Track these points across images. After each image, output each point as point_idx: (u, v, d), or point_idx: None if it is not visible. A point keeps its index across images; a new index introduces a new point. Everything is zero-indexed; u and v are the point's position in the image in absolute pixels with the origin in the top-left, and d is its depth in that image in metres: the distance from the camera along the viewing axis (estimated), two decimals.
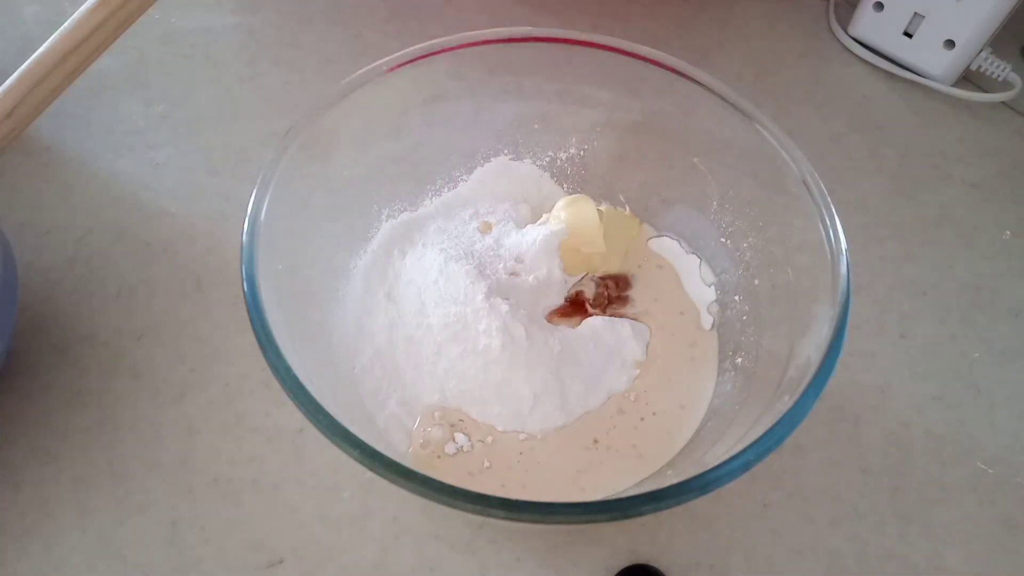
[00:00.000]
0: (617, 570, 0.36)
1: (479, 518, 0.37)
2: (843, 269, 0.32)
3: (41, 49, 0.43)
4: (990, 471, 0.40)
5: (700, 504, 0.38)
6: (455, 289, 0.38)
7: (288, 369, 0.29)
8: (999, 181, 0.52)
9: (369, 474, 0.38)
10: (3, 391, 0.40)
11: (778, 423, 0.29)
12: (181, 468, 0.38)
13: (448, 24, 0.59)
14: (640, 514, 0.27)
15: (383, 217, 0.43)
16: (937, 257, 0.48)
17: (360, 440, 0.28)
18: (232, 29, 0.58)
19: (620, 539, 0.37)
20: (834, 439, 0.40)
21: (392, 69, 0.39)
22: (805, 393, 0.29)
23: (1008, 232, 0.49)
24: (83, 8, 0.43)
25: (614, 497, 0.28)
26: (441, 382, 0.38)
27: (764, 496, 0.38)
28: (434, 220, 0.43)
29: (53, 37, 0.43)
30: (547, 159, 0.46)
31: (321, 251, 0.39)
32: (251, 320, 0.30)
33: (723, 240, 0.42)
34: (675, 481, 0.28)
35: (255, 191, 0.34)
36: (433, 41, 0.40)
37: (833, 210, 0.34)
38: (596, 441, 0.37)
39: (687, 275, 0.43)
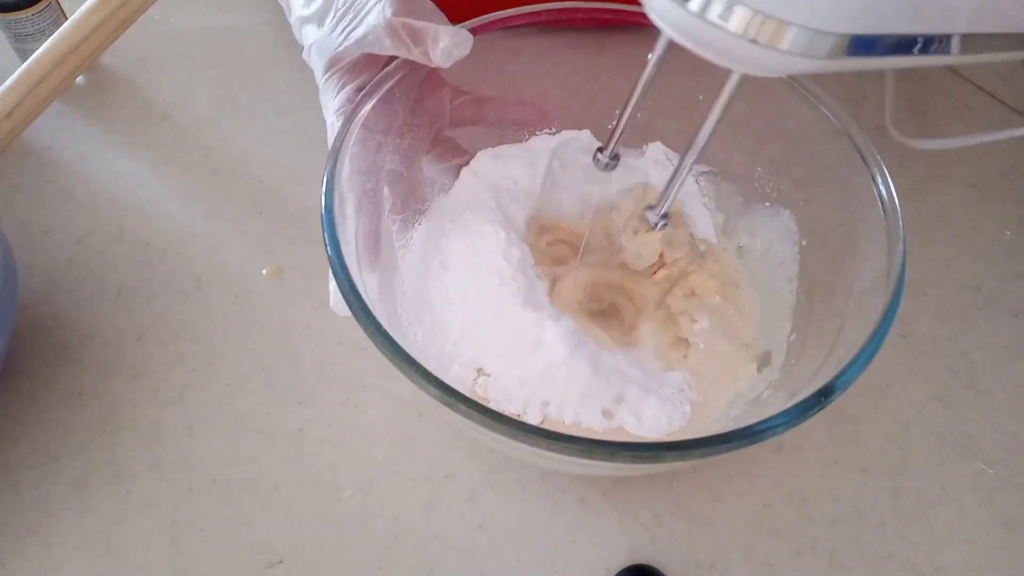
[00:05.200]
0: (617, 570, 0.36)
1: (479, 517, 0.37)
2: (899, 222, 0.34)
3: (41, 49, 0.43)
4: (990, 471, 0.40)
5: (700, 504, 0.38)
6: (501, 264, 0.39)
7: (377, 323, 0.31)
8: (999, 181, 0.52)
9: (369, 474, 0.38)
10: (3, 391, 0.40)
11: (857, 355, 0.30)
12: (181, 468, 0.38)
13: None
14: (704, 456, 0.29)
15: (435, 191, 0.43)
16: (937, 257, 0.48)
17: (445, 383, 0.30)
18: (232, 29, 0.58)
19: (620, 539, 0.37)
20: (834, 439, 0.40)
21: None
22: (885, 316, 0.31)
23: (1008, 232, 0.49)
24: (83, 8, 0.43)
25: (682, 439, 0.29)
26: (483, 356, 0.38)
27: (764, 496, 0.38)
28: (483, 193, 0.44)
29: (53, 37, 0.43)
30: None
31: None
32: (338, 281, 0.32)
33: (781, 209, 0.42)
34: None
35: (332, 155, 0.35)
36: (530, 7, 0.41)
37: (886, 171, 0.36)
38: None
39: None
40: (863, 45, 0.24)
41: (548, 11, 0.42)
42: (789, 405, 0.30)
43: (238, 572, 0.36)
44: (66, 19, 0.48)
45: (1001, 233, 0.49)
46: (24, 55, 0.48)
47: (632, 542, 0.37)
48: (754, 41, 0.23)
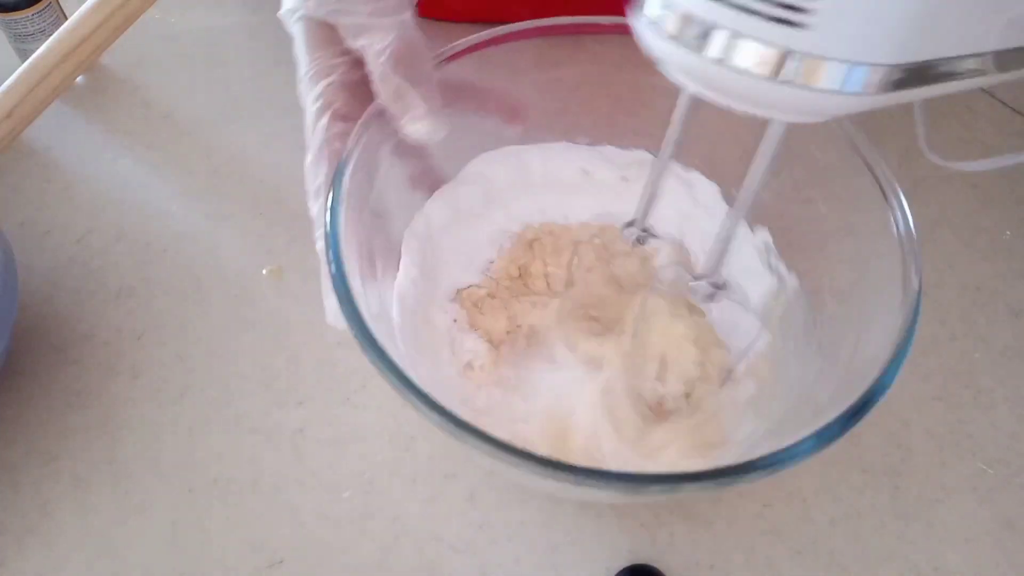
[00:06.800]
0: (617, 570, 0.36)
1: (479, 517, 0.37)
2: (914, 268, 0.32)
3: (41, 49, 0.43)
4: (990, 471, 0.40)
5: (700, 504, 0.38)
6: None
7: (390, 362, 0.29)
8: (999, 181, 0.52)
9: (369, 474, 0.38)
10: (3, 391, 0.40)
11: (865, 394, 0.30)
12: (181, 468, 0.38)
13: (451, 26, 0.59)
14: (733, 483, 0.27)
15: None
16: (937, 257, 0.48)
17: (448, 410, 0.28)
18: (232, 29, 0.58)
19: (620, 539, 0.37)
20: None
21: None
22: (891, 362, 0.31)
23: (1008, 232, 0.49)
24: (83, 8, 0.43)
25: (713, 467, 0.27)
26: None
27: (764, 496, 0.38)
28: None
29: (53, 37, 0.43)
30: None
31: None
32: (340, 299, 0.30)
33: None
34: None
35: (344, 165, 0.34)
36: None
37: (902, 198, 0.35)
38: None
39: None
40: (913, 74, 0.21)
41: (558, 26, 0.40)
42: (792, 441, 0.29)
43: (238, 572, 0.36)
44: (66, 19, 0.48)
45: (1001, 233, 0.49)
46: (24, 55, 0.48)
47: (632, 542, 0.37)
48: (790, 83, 0.20)
